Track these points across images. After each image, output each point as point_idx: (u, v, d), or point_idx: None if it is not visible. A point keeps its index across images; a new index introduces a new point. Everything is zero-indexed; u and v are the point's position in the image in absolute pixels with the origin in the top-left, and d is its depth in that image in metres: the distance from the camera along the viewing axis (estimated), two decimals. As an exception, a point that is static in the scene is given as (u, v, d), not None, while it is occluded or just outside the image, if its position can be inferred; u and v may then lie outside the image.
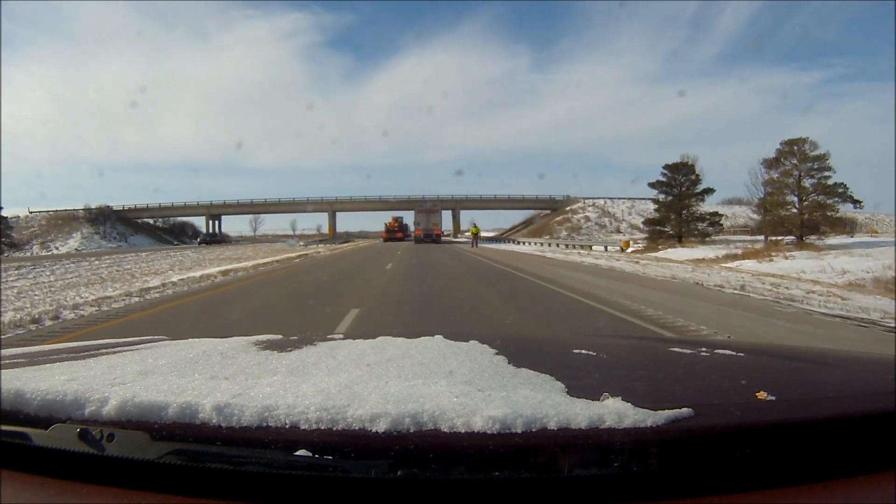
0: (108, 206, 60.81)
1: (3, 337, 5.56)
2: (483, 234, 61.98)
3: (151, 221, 67.94)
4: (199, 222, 68.59)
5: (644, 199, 61.39)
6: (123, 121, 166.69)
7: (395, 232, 47.96)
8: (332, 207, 66.80)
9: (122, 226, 59.08)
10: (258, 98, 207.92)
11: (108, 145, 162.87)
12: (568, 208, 60.40)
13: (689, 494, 0.61)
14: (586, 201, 61.63)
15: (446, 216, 61.20)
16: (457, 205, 64.54)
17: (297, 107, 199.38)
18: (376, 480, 0.61)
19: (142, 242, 54.78)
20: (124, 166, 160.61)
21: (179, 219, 70.85)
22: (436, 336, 1.18)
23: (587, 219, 56.55)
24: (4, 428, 0.72)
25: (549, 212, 63.32)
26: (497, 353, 0.98)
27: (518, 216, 69.42)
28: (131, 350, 1.20)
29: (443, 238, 47.43)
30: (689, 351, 1.26)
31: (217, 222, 68.62)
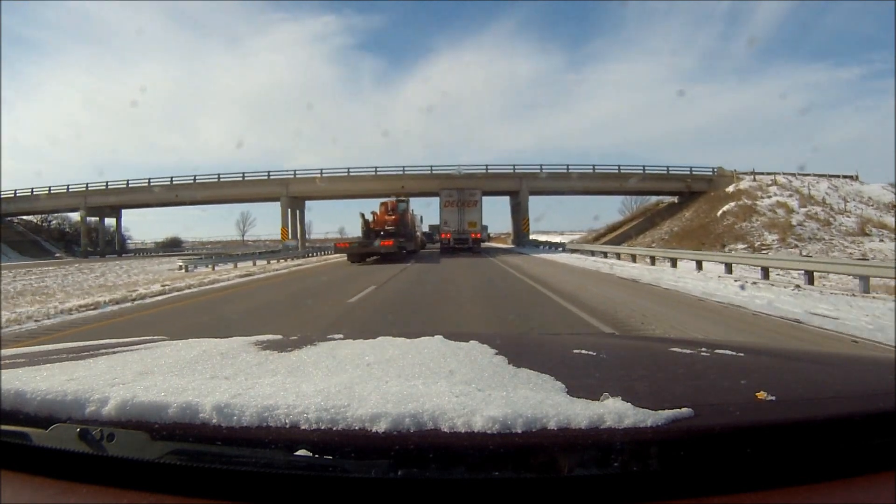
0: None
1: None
2: (553, 238, 33.06)
3: (34, 219, 45.27)
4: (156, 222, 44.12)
5: (838, 176, 34.73)
6: (157, 125, 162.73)
7: (378, 237, 21.09)
8: (288, 190, 36.64)
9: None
10: (291, 102, 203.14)
11: (142, 150, 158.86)
12: (729, 189, 33.26)
13: (689, 495, 0.61)
14: (759, 178, 34.04)
15: (501, 206, 38.29)
16: (522, 183, 35.67)
17: (329, 110, 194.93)
18: (376, 480, 0.61)
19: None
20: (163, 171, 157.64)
21: (74, 217, 44.62)
22: (436, 336, 1.17)
23: (787, 208, 28.87)
24: (4, 428, 0.72)
25: (675, 198, 37.22)
26: (497, 353, 0.98)
27: (609, 208, 40.10)
28: (131, 350, 1.20)
29: (499, 247, 30.74)
30: (689, 351, 1.26)
31: (115, 220, 44.60)
